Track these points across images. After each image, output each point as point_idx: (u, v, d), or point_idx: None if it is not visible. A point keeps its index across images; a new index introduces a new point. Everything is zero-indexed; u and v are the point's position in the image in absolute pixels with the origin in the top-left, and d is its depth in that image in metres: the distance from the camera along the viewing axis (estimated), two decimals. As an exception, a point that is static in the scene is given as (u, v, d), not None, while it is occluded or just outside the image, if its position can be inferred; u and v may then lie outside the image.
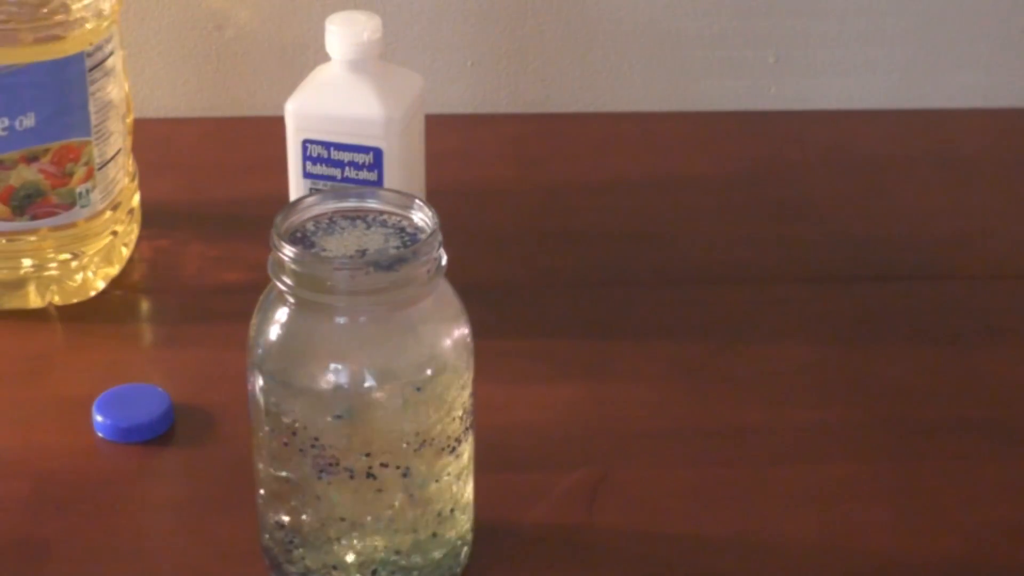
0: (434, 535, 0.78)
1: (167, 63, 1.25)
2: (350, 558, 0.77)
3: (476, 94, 1.27)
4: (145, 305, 1.04)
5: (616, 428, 0.92)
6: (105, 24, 0.98)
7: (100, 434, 0.90)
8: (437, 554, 0.78)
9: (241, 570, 0.82)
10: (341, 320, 0.74)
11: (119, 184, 1.03)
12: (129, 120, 1.04)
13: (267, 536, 0.79)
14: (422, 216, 0.76)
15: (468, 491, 0.80)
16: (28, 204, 0.98)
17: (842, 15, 1.26)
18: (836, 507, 0.87)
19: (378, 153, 0.97)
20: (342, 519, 0.76)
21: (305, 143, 0.98)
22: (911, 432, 0.92)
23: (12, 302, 1.01)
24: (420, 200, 0.77)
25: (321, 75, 1.00)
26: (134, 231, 1.06)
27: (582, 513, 0.86)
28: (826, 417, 0.93)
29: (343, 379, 0.74)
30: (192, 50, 1.24)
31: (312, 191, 0.94)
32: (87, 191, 1.00)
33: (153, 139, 1.16)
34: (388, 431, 0.74)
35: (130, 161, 1.05)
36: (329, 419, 0.74)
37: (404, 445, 0.75)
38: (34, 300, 1.01)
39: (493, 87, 1.27)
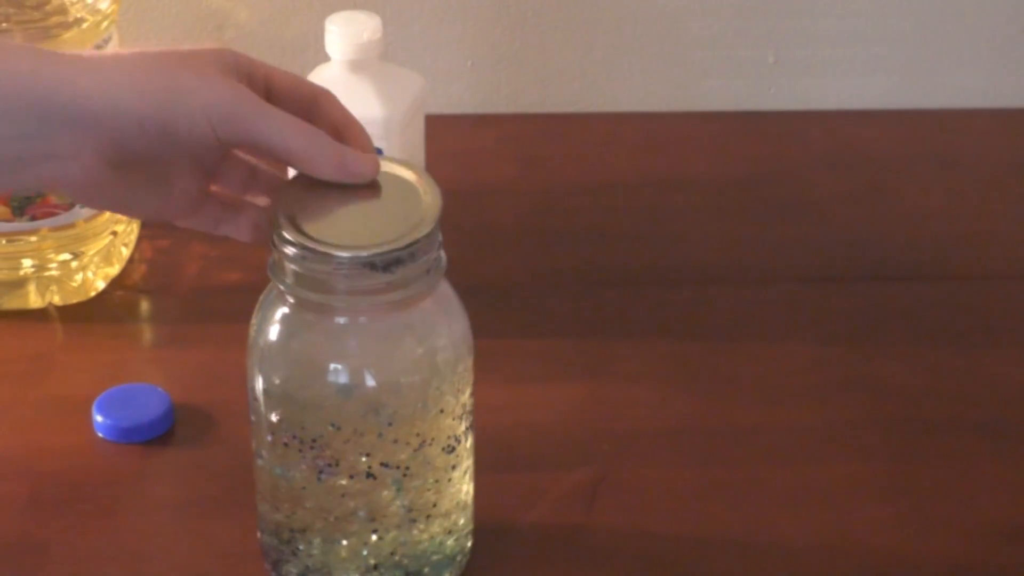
0: (434, 535, 0.78)
1: (167, 63, 1.24)
2: (350, 558, 0.77)
3: (476, 94, 1.27)
4: (145, 305, 1.04)
5: (616, 428, 0.92)
6: (104, 24, 0.98)
7: (100, 434, 0.90)
8: (437, 554, 0.78)
9: (241, 570, 0.82)
10: (341, 320, 0.74)
11: (119, 184, 1.03)
12: (129, 120, 1.04)
13: (267, 536, 0.79)
14: (422, 216, 0.76)
15: (468, 491, 0.80)
16: (28, 204, 0.98)
17: (842, 15, 1.26)
18: (836, 507, 0.87)
19: (378, 153, 0.97)
20: (342, 519, 0.76)
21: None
22: (911, 432, 0.92)
23: (12, 302, 1.01)
24: (420, 200, 0.77)
25: (321, 75, 1.00)
26: (134, 231, 1.06)
27: (582, 513, 0.86)
28: (826, 417, 0.93)
29: (343, 379, 0.74)
30: (192, 50, 1.24)
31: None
32: (87, 191, 1.00)
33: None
34: (388, 431, 0.74)
35: (130, 161, 1.05)
36: (329, 419, 0.74)
37: (404, 445, 0.75)
38: (34, 300, 1.01)
39: (493, 87, 1.27)
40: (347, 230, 0.73)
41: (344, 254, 0.72)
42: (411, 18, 1.24)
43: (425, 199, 0.74)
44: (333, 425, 0.74)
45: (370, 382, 0.74)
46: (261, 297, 0.76)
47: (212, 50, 0.74)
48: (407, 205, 0.74)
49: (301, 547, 0.77)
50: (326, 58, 0.99)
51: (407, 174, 0.76)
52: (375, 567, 0.77)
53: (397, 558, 0.77)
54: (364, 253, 0.72)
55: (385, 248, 0.72)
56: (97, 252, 1.02)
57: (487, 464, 0.82)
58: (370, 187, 0.75)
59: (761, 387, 0.96)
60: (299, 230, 0.72)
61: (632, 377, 0.96)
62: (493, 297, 1.03)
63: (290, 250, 0.73)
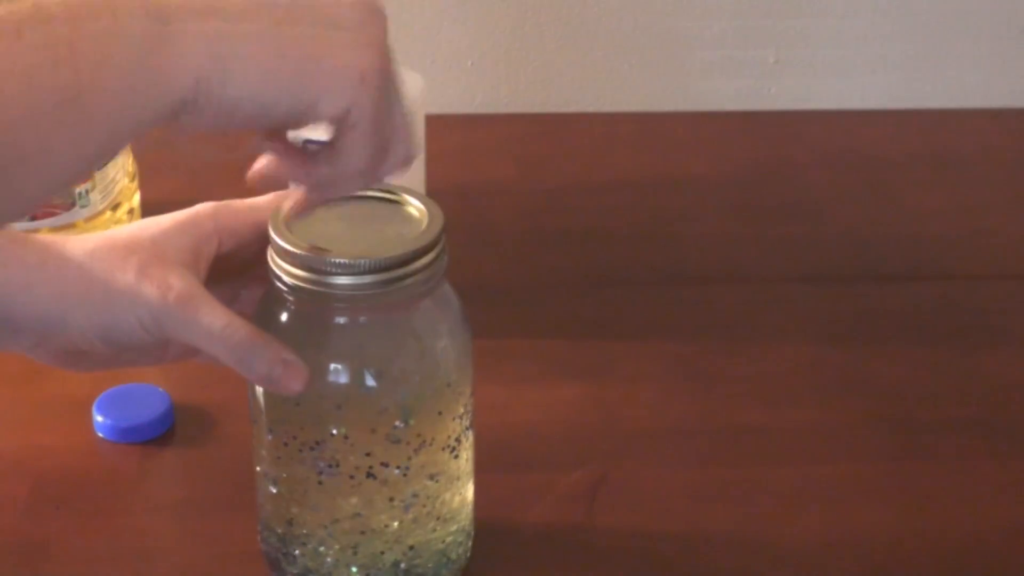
0: (434, 535, 0.78)
1: (167, 63, 1.24)
2: (349, 558, 0.77)
3: (476, 94, 1.27)
4: (145, 305, 1.03)
5: (616, 428, 0.92)
6: (105, 24, 0.98)
7: (100, 434, 0.90)
8: (437, 554, 0.78)
9: (241, 570, 0.82)
10: (341, 320, 0.74)
11: (119, 184, 1.03)
12: (129, 120, 1.04)
13: (266, 536, 0.79)
14: (422, 216, 0.76)
15: (468, 491, 0.80)
16: (28, 204, 0.98)
17: (842, 15, 1.26)
18: (836, 507, 0.87)
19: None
20: (341, 519, 0.76)
21: (305, 143, 0.98)
22: (911, 432, 0.92)
23: (12, 302, 1.01)
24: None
25: (321, 75, 0.99)
26: (134, 231, 1.06)
27: (582, 513, 0.86)
28: (826, 417, 0.93)
29: (343, 380, 0.74)
30: (192, 50, 1.24)
31: (312, 191, 0.94)
32: (86, 191, 1.00)
33: (153, 139, 1.16)
34: (388, 431, 0.74)
35: (130, 161, 1.05)
36: (329, 419, 0.74)
37: (404, 445, 0.75)
38: (34, 300, 1.01)
39: (493, 87, 1.27)
40: (347, 245, 0.73)
41: (343, 260, 0.72)
42: (411, 18, 1.24)
43: (426, 227, 0.74)
44: (333, 425, 0.74)
45: (370, 382, 0.74)
46: (261, 297, 0.76)
47: (181, 224, 0.75)
48: (407, 229, 0.74)
49: (300, 547, 0.77)
50: (326, 58, 0.99)
51: (412, 206, 0.76)
52: (375, 567, 0.77)
53: (396, 558, 0.77)
54: (363, 260, 0.71)
55: (384, 255, 0.72)
56: (97, 252, 1.02)
57: (487, 464, 0.82)
58: (371, 213, 0.75)
59: (761, 387, 0.96)
60: (299, 243, 0.72)
61: (632, 377, 0.96)
62: (493, 297, 1.03)
63: (290, 250, 0.73)
